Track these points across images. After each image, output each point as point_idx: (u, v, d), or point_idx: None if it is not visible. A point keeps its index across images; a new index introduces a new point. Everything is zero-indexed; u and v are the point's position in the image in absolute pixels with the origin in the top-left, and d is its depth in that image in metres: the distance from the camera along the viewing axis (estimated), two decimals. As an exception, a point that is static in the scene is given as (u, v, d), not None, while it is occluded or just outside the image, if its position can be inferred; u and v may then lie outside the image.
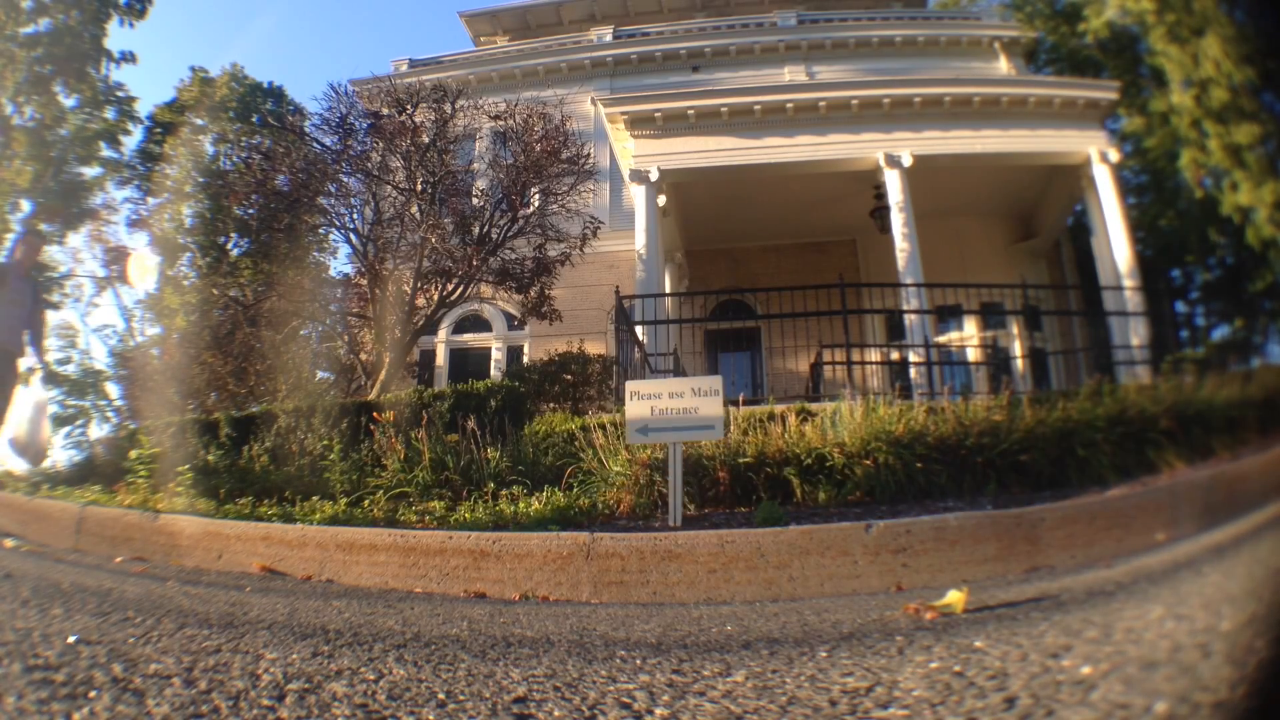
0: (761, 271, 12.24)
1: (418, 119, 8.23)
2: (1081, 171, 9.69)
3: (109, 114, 13.53)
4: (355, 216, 8.45)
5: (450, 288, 8.06)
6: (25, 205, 13.15)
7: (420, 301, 8.23)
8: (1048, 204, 11.29)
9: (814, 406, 4.71)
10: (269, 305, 8.78)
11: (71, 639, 1.34)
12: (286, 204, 8.11)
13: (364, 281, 8.45)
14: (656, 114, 9.96)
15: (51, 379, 5.54)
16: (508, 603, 2.29)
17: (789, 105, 9.80)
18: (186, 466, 4.56)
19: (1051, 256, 12.05)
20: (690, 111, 9.91)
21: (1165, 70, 7.69)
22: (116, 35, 22.02)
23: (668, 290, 10.60)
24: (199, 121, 14.18)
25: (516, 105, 8.56)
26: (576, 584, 2.42)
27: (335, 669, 1.20)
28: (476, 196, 8.71)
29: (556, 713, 0.98)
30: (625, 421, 3.37)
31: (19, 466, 4.95)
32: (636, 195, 9.99)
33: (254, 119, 13.76)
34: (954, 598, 1.65)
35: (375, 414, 5.00)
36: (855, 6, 14.52)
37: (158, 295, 13.21)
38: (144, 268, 13.89)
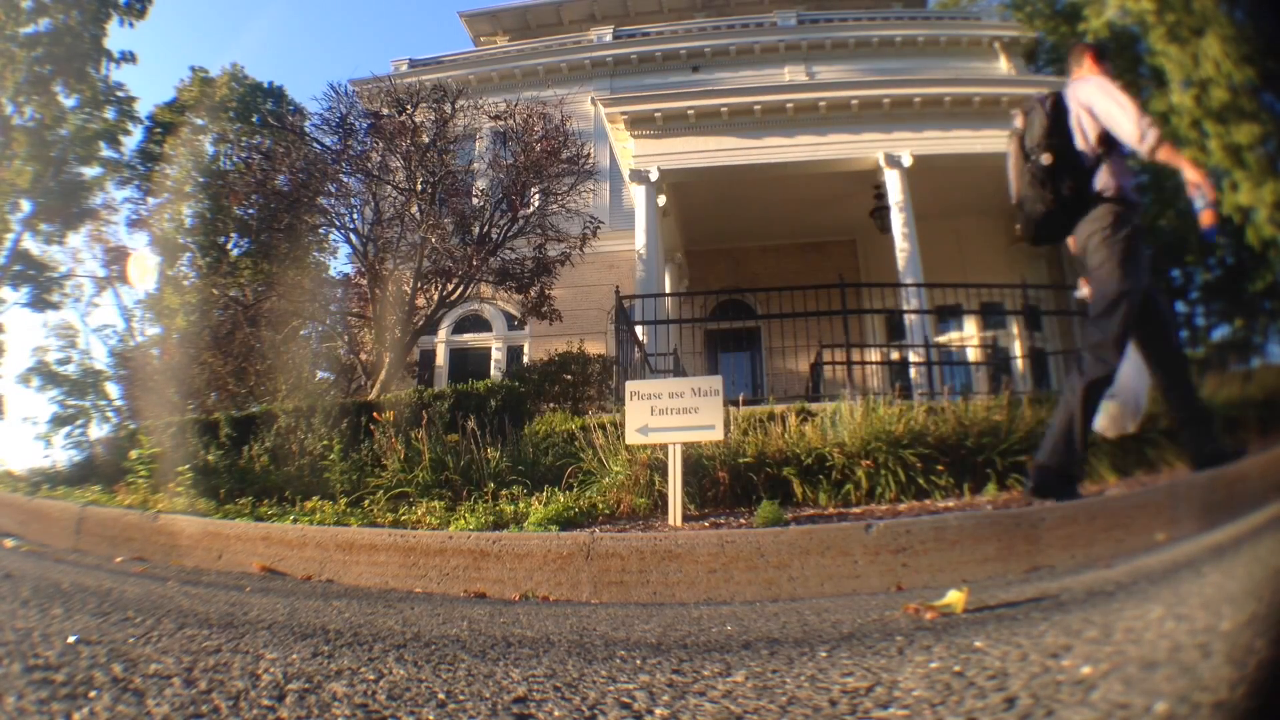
0: (761, 271, 12.24)
1: (418, 119, 8.23)
2: (1081, 171, 9.67)
3: (109, 114, 13.55)
4: (355, 216, 8.46)
5: (450, 288, 8.07)
6: (25, 205, 13.19)
7: (420, 301, 8.23)
8: (1048, 204, 11.27)
9: (814, 406, 4.72)
10: (269, 305, 8.79)
11: (71, 639, 1.34)
12: (286, 204, 8.11)
13: (364, 281, 8.45)
14: (656, 114, 9.96)
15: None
16: (508, 603, 2.29)
17: (789, 105, 9.80)
18: (186, 466, 4.56)
19: (1051, 256, 12.04)
20: (690, 111, 9.90)
21: (1165, 70, 7.68)
22: (116, 35, 22.04)
23: (668, 290, 10.60)
24: (199, 121, 14.19)
25: (516, 105, 8.57)
26: (576, 584, 2.42)
27: (335, 669, 1.20)
28: (476, 196, 8.71)
29: (556, 713, 0.98)
30: (625, 422, 3.37)
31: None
32: (636, 195, 9.98)
33: (254, 119, 13.77)
34: (954, 598, 1.65)
35: (375, 414, 5.00)
36: (855, 6, 14.52)
37: (158, 295, 13.23)
38: (144, 268, 13.88)
